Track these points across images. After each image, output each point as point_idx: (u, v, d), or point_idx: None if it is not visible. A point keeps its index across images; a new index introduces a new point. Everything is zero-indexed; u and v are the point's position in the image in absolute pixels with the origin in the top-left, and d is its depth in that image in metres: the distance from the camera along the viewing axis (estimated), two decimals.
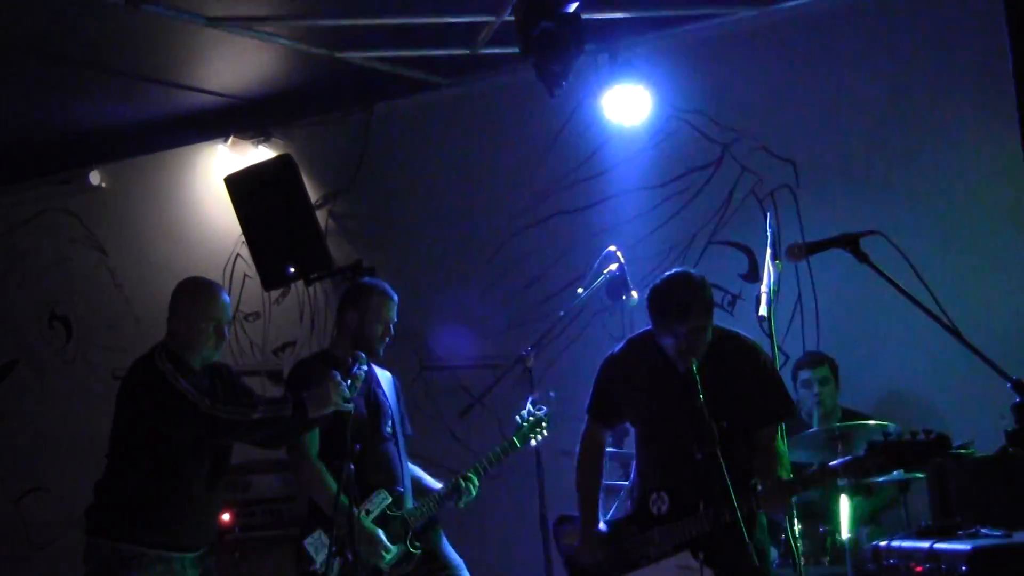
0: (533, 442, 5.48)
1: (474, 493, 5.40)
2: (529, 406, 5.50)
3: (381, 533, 5.13)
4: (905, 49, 6.40)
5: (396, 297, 5.46)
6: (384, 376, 5.59)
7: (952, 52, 6.27)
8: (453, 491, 5.37)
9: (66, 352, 8.68)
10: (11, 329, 8.85)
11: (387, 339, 5.43)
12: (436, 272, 7.52)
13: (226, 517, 6.78)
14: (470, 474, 5.39)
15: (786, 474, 4.50)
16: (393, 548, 5.15)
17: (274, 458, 6.98)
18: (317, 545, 5.10)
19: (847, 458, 4.42)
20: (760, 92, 6.75)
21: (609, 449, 5.01)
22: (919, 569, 4.36)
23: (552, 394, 5.64)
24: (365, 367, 5.00)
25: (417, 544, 5.25)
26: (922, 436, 4.19)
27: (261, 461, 7.08)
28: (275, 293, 7.93)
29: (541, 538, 5.26)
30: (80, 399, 8.52)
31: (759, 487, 4.42)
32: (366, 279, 5.71)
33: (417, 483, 5.53)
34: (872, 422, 5.57)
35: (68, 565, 8.34)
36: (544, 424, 5.50)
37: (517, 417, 5.48)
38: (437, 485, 5.48)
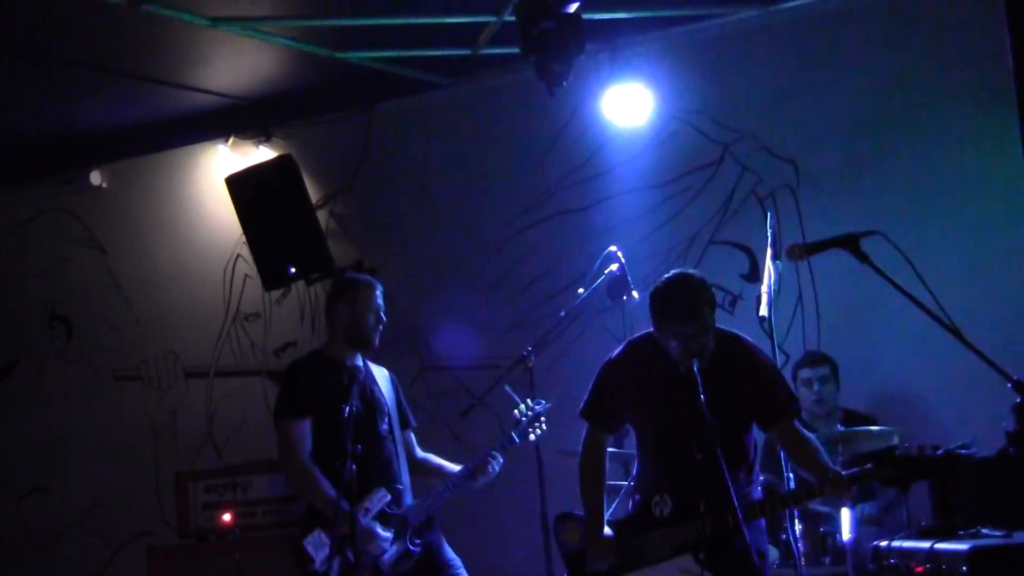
0: (532, 437, 5.47)
1: (494, 472, 5.37)
2: (528, 400, 5.50)
3: (379, 528, 5.13)
4: (905, 49, 6.39)
5: (380, 285, 5.46)
6: (380, 373, 5.58)
7: (952, 52, 6.27)
8: (473, 472, 5.35)
9: (67, 352, 8.67)
10: (12, 329, 8.85)
11: (380, 327, 5.43)
12: (436, 272, 7.52)
13: (226, 517, 6.79)
14: (495, 453, 5.37)
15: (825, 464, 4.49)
16: (392, 543, 5.14)
17: (274, 458, 7.01)
18: (317, 544, 5.10)
19: (854, 470, 4.42)
20: (761, 92, 6.75)
21: (609, 449, 5.01)
22: (920, 569, 4.36)
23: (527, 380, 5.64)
24: (362, 372, 4.99)
25: (417, 541, 5.25)
26: (929, 451, 4.19)
27: (261, 461, 7.09)
28: (276, 293, 7.93)
29: (541, 537, 5.27)
30: (81, 399, 8.53)
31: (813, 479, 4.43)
32: (346, 274, 5.71)
33: (437, 470, 5.53)
34: (875, 428, 5.57)
35: (68, 565, 8.39)
36: (543, 418, 5.49)
37: (516, 412, 5.48)
38: (456, 468, 5.46)
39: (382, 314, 5.43)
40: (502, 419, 6.43)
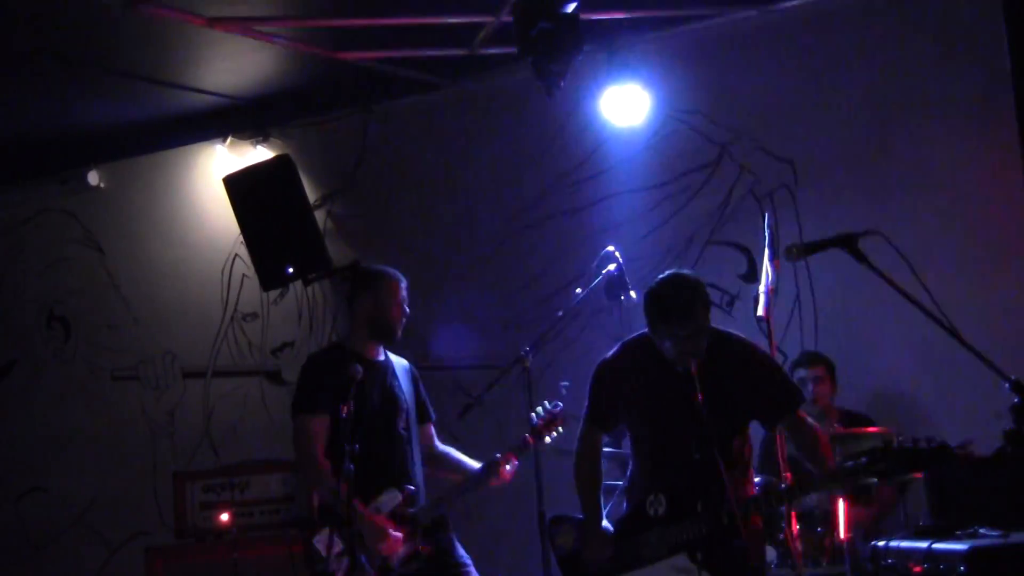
0: (548, 439, 5.43)
1: (508, 475, 5.33)
2: (545, 403, 5.47)
3: (390, 529, 5.11)
4: (903, 49, 6.40)
5: (405, 279, 5.44)
6: (400, 365, 5.52)
7: (952, 53, 6.27)
8: (489, 472, 5.31)
9: (64, 352, 8.67)
10: (10, 329, 8.85)
11: (403, 320, 5.40)
12: (434, 272, 7.51)
13: (224, 517, 6.79)
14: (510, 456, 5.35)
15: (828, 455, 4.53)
16: (402, 543, 5.13)
17: (274, 458, 7.02)
18: (326, 543, 5.09)
19: (849, 464, 4.43)
20: (759, 92, 6.75)
21: (607, 450, 5.01)
22: (917, 569, 4.37)
23: (564, 384, 5.62)
24: (360, 373, 4.97)
25: (427, 542, 5.24)
26: (924, 444, 4.19)
27: (258, 461, 7.10)
28: (273, 293, 7.93)
29: (539, 536, 5.26)
30: (79, 399, 8.53)
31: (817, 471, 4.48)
32: (371, 266, 5.69)
33: (457, 465, 5.51)
34: (872, 430, 5.57)
35: (66, 565, 8.39)
36: (560, 420, 5.46)
37: (533, 414, 5.45)
38: (476, 465, 5.42)
39: (406, 307, 5.41)
40: (499, 419, 6.44)
